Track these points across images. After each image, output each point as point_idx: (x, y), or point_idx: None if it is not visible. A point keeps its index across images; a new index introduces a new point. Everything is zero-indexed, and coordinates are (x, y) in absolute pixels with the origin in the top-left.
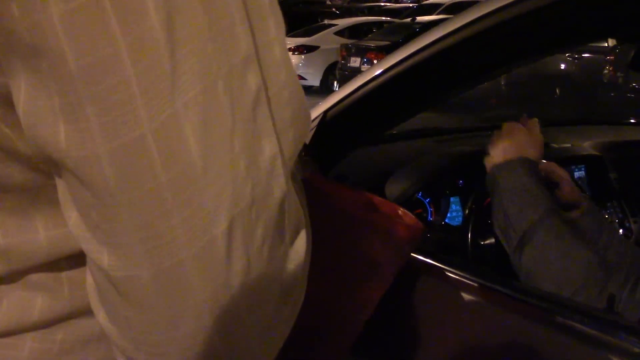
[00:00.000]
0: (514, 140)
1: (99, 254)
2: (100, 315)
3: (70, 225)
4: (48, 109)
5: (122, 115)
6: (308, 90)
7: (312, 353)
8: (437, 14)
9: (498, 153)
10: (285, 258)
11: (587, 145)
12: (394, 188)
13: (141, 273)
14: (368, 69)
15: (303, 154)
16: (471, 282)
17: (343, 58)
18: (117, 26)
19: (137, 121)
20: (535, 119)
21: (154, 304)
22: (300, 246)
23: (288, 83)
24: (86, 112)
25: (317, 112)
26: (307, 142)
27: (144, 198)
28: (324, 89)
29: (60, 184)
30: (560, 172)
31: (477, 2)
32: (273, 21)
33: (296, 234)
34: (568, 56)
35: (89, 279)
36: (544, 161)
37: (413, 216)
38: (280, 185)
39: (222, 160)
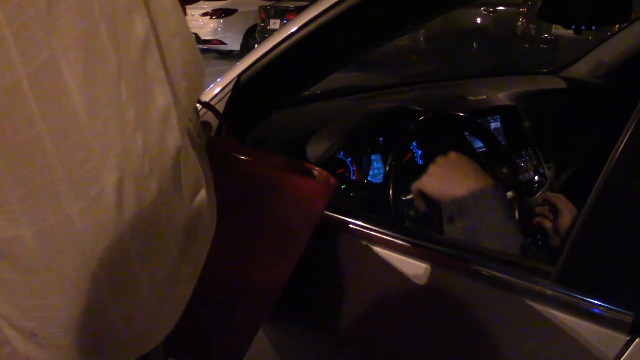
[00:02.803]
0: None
1: None
2: None
3: None
4: None
5: None
6: (229, 54)
7: (231, 319)
8: None
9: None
10: (185, 218)
11: (501, 96)
12: (314, 149)
13: (23, 232)
14: (281, 29)
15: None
16: (392, 239)
17: (262, 20)
18: None
19: (10, 66)
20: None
21: (39, 265)
22: (200, 205)
23: (179, 31)
24: None
25: (231, 75)
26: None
27: (22, 149)
28: (245, 53)
29: None
30: (567, 205)
31: None
32: None
33: (196, 191)
34: (483, 10)
35: None
36: (554, 194)
37: (327, 173)
38: (174, 137)
39: (109, 108)
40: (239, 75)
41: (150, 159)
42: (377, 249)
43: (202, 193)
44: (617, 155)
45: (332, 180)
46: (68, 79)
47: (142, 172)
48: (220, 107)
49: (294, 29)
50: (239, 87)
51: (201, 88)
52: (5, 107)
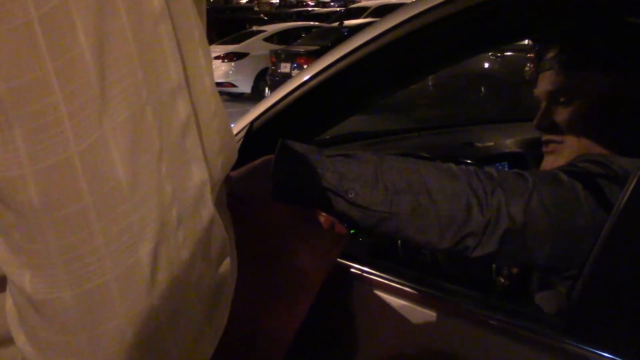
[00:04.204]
0: None
1: (21, 277)
2: (20, 339)
3: None
4: None
5: (49, 138)
6: (239, 97)
7: None
8: (364, 18)
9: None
10: (211, 283)
11: (509, 143)
12: None
13: (64, 295)
14: (295, 76)
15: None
16: (400, 286)
17: (273, 64)
18: (46, 50)
19: (65, 144)
20: None
21: (76, 326)
22: (225, 271)
23: (217, 113)
24: (14, 133)
25: (243, 122)
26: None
27: (69, 219)
28: (256, 96)
29: None
30: None
31: (403, 4)
32: (202, 52)
33: (222, 258)
34: (491, 55)
35: (9, 303)
36: None
37: (332, 219)
38: (208, 210)
39: (149, 183)
40: (252, 122)
41: (184, 230)
42: (384, 295)
43: (227, 260)
44: (624, 201)
45: (341, 227)
46: (115, 157)
47: (176, 242)
48: None
49: (306, 77)
50: (252, 134)
51: (233, 162)
52: (57, 180)
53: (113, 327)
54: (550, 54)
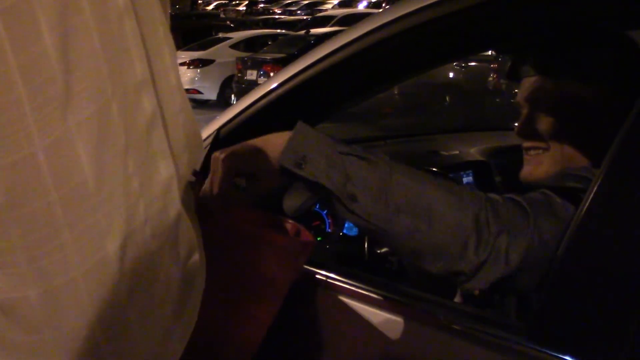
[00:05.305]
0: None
1: None
2: None
3: None
4: None
5: (13, 134)
6: (205, 104)
7: None
8: (330, 26)
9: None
10: (180, 279)
11: (474, 152)
12: (290, 201)
13: (29, 293)
14: (264, 83)
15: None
16: (366, 292)
17: (239, 71)
18: (9, 45)
19: (29, 140)
20: None
21: (42, 325)
22: (194, 267)
23: (183, 108)
24: None
25: (210, 129)
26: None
27: (34, 215)
28: (221, 103)
29: None
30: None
31: (369, 14)
32: (167, 48)
33: (190, 255)
34: (455, 65)
35: None
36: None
37: (298, 227)
38: (175, 205)
39: (116, 178)
40: (219, 130)
41: (151, 225)
42: (350, 302)
43: (196, 255)
44: (586, 206)
45: (308, 234)
46: (80, 152)
47: (143, 238)
48: None
49: (273, 85)
50: (219, 141)
51: (200, 159)
52: (20, 177)
53: (80, 325)
54: (535, 60)
